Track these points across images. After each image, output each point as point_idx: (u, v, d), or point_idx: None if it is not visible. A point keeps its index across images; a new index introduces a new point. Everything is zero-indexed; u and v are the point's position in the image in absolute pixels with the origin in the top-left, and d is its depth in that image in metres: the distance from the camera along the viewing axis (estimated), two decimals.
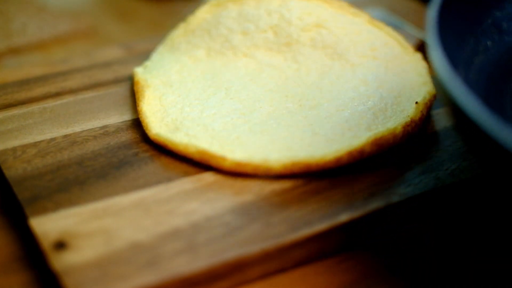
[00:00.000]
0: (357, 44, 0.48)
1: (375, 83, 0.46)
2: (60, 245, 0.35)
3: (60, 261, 0.34)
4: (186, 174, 0.40)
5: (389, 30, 0.51)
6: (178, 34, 0.52)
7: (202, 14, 0.52)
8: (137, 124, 0.45)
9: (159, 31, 0.60)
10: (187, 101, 0.45)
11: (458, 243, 0.39)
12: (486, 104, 0.37)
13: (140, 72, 0.48)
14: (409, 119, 0.43)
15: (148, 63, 0.50)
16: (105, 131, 0.44)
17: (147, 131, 0.43)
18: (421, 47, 0.55)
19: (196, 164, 0.41)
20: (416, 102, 0.44)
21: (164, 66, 0.49)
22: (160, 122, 0.43)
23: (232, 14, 0.50)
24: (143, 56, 0.53)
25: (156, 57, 0.51)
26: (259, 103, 0.45)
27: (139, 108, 0.45)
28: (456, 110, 0.30)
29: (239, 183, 0.39)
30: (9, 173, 0.40)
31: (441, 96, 0.46)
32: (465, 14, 0.40)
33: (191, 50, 0.50)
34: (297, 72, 0.47)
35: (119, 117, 0.46)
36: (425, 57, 0.50)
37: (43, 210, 0.37)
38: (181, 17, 0.56)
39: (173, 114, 0.44)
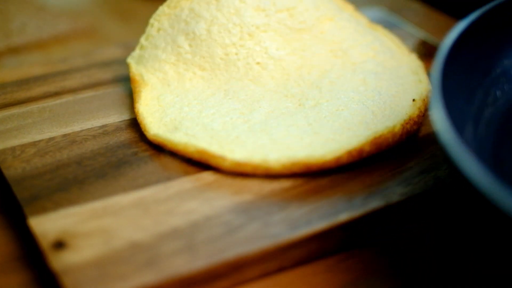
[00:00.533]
0: (360, 43, 0.48)
1: (374, 83, 0.46)
2: (59, 245, 0.35)
3: (59, 261, 0.34)
4: (186, 173, 0.40)
5: (386, 32, 0.51)
6: None
7: None
8: (136, 124, 0.44)
9: None
10: (185, 101, 0.45)
11: (457, 243, 0.38)
12: (492, 164, 0.36)
13: (134, 64, 0.47)
14: (407, 117, 0.43)
15: (143, 42, 0.48)
16: (104, 131, 0.44)
17: (145, 133, 0.43)
18: (421, 47, 0.55)
19: (196, 163, 0.41)
20: (413, 100, 0.44)
21: (159, 56, 0.47)
22: (158, 123, 0.43)
23: None
24: None
25: (153, 29, 0.48)
26: (259, 103, 0.45)
27: (136, 110, 0.44)
28: (458, 174, 0.30)
29: (238, 182, 0.39)
30: (8, 173, 0.40)
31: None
32: (472, 66, 0.39)
33: (191, 24, 0.46)
34: (299, 71, 0.47)
35: (118, 116, 0.46)
36: (421, 57, 0.51)
37: (42, 210, 0.37)
38: None
39: (172, 114, 0.44)
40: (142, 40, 0.48)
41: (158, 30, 0.47)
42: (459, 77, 0.37)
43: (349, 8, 0.51)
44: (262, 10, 0.46)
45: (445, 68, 0.35)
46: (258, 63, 0.46)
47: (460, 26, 0.38)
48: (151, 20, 0.48)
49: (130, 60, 0.48)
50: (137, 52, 0.48)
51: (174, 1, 0.48)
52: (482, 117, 0.39)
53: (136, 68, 0.47)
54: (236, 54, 0.46)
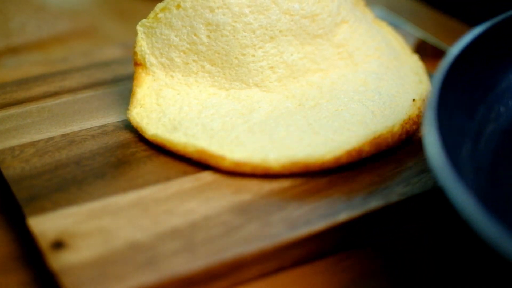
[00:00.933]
0: (367, 44, 0.48)
1: (374, 83, 0.46)
2: (58, 245, 0.35)
3: (58, 261, 0.34)
4: (185, 173, 0.40)
5: (391, 29, 0.51)
6: None
7: None
8: None
9: None
10: (186, 100, 0.44)
11: (456, 243, 0.38)
12: (488, 182, 0.36)
13: (141, 36, 0.44)
14: (407, 117, 0.43)
15: (159, 13, 0.44)
16: (103, 131, 0.44)
17: (143, 134, 0.43)
18: (420, 47, 0.55)
19: (195, 163, 0.41)
20: (414, 100, 0.44)
21: (171, 39, 0.44)
22: (157, 123, 0.43)
23: None
24: None
25: (173, 3, 0.43)
26: (258, 103, 0.44)
27: (128, 115, 0.44)
28: (447, 201, 0.30)
29: (237, 182, 0.39)
30: (8, 173, 0.40)
31: None
32: (476, 80, 0.39)
33: (217, 14, 0.43)
34: (306, 74, 0.46)
35: (117, 116, 0.45)
36: (420, 57, 0.51)
37: (41, 210, 0.37)
38: None
39: (170, 114, 0.43)
40: (158, 9, 0.44)
41: (178, 6, 0.43)
42: (461, 91, 0.37)
43: (360, 3, 0.50)
44: (290, 14, 0.44)
45: (446, 82, 0.35)
46: (271, 67, 0.45)
47: (465, 39, 0.37)
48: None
49: (140, 28, 0.45)
50: (150, 21, 0.44)
51: None
52: (483, 133, 0.38)
53: (142, 44, 0.44)
54: (253, 56, 0.44)
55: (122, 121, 0.45)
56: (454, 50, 0.37)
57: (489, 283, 0.36)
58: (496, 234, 0.27)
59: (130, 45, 0.55)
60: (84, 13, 0.68)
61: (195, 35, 0.44)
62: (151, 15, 0.44)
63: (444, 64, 0.36)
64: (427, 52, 0.54)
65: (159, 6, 0.44)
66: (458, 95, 0.36)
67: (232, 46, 0.44)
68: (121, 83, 0.49)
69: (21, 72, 0.51)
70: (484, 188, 0.35)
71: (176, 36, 0.44)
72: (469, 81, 0.38)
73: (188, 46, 0.44)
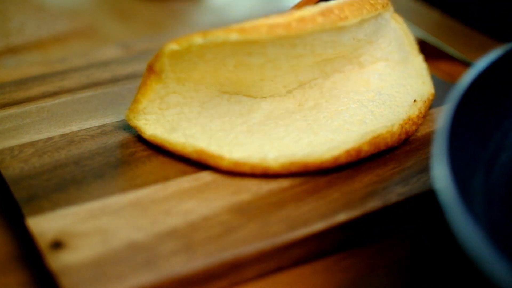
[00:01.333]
0: (381, 50, 0.47)
1: (376, 83, 0.46)
2: (57, 245, 0.35)
3: (57, 261, 0.34)
4: (184, 173, 0.40)
5: (404, 26, 0.49)
6: None
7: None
8: None
9: (157, 31, 0.60)
10: (189, 103, 0.43)
11: (456, 243, 0.38)
12: (503, 212, 0.34)
13: (167, 55, 0.40)
14: (406, 117, 0.43)
15: (194, 47, 0.40)
16: (102, 131, 0.44)
17: (142, 135, 0.42)
18: (420, 47, 0.55)
19: (194, 163, 0.41)
20: (415, 101, 0.44)
21: (198, 66, 0.41)
22: (155, 124, 0.43)
23: (324, 37, 0.41)
24: (142, 55, 0.52)
25: (214, 41, 0.39)
26: (258, 104, 0.44)
27: (126, 116, 0.43)
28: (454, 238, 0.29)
29: (236, 182, 0.39)
30: (6, 173, 0.40)
31: (439, 96, 0.46)
32: (490, 107, 0.37)
33: (252, 56, 0.40)
34: (312, 80, 0.45)
35: (116, 116, 0.45)
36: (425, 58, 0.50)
37: (40, 210, 0.37)
38: (181, 18, 0.56)
39: (169, 116, 0.43)
40: (194, 44, 0.39)
41: (217, 45, 0.40)
42: (475, 118, 0.36)
43: (386, 4, 0.47)
44: (320, 56, 0.43)
45: (460, 108, 0.33)
46: (284, 86, 0.44)
47: (480, 64, 0.36)
48: (219, 35, 0.39)
49: (166, 51, 0.40)
50: (180, 49, 0.40)
51: (252, 35, 0.39)
52: (497, 162, 0.37)
53: (164, 61, 0.41)
54: (272, 81, 0.43)
55: (121, 121, 0.45)
56: (469, 75, 0.35)
57: (488, 283, 0.36)
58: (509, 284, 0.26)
59: (129, 45, 0.55)
60: (84, 13, 0.68)
61: (223, 65, 0.41)
62: (184, 44, 0.40)
63: (458, 89, 0.34)
64: (427, 52, 0.54)
65: (197, 41, 0.39)
66: (471, 122, 0.35)
67: (255, 76, 0.42)
68: (120, 83, 0.49)
69: (20, 72, 0.51)
70: (497, 220, 0.34)
71: (204, 64, 0.41)
72: (484, 107, 0.37)
73: (213, 70, 0.42)
